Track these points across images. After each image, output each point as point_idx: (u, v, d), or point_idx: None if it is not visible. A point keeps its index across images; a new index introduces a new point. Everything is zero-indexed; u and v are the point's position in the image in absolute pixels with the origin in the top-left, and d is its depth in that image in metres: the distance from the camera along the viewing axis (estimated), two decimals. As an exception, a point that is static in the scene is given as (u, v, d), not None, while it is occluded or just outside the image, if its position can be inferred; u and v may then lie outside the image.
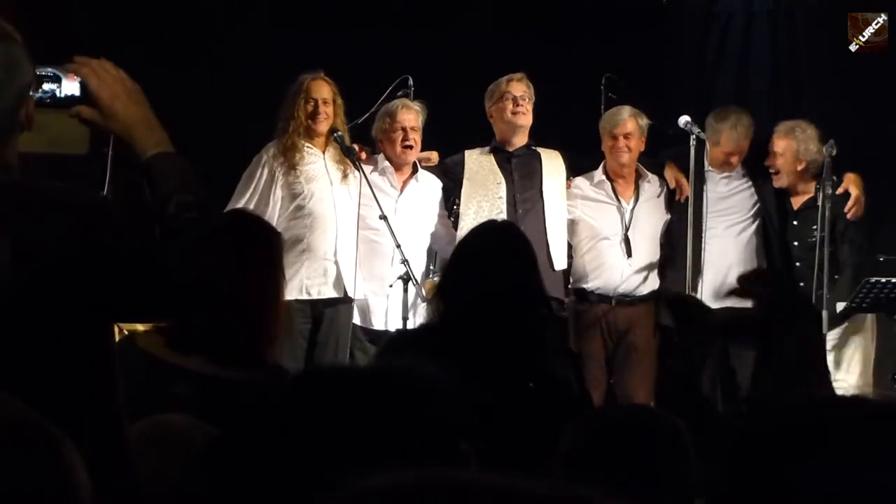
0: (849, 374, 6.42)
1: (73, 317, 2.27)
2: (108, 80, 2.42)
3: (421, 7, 7.82)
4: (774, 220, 6.61)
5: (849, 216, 6.45)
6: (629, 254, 6.57)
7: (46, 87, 2.45)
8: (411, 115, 6.38)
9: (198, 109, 6.54)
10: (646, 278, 6.63)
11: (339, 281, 6.19)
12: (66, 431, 2.25)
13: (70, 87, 2.45)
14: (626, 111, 6.65)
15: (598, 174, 6.70)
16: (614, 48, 7.74)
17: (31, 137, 2.43)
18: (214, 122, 6.64)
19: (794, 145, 6.51)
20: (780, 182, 6.56)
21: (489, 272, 3.42)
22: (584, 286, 6.64)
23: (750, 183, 6.72)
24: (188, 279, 2.32)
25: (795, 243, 6.55)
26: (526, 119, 6.58)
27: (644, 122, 6.62)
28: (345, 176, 6.23)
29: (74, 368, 2.29)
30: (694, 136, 6.48)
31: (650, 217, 6.68)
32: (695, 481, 2.39)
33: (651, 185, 6.72)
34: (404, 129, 6.35)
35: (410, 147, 6.39)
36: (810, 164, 6.50)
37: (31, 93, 2.38)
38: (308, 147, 6.21)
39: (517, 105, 6.54)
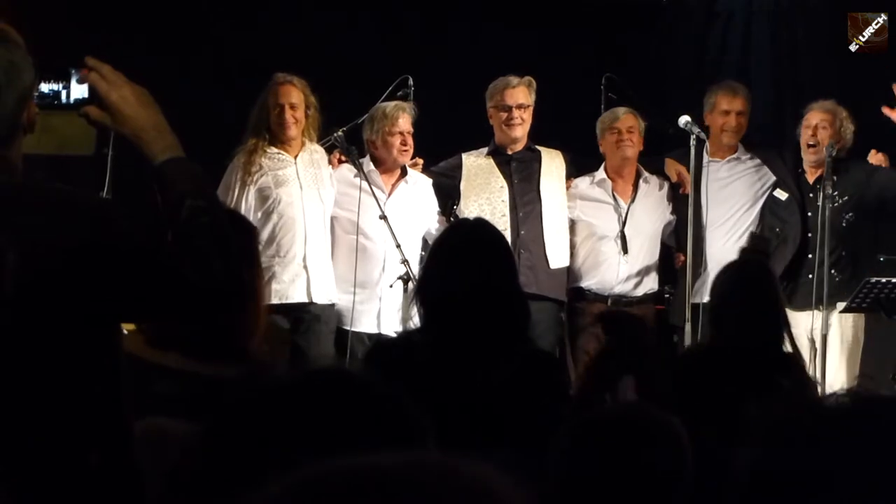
0: (839, 369, 6.44)
1: (80, 319, 2.28)
2: (118, 83, 2.43)
3: (421, 7, 7.83)
4: (795, 191, 6.59)
5: (872, 161, 6.51)
6: (625, 250, 6.57)
7: (53, 86, 2.46)
8: (409, 120, 6.37)
9: (198, 112, 6.54)
10: (643, 279, 6.63)
11: (310, 286, 6.17)
12: (74, 434, 2.27)
13: (79, 89, 2.47)
14: (623, 109, 6.67)
15: (599, 173, 6.71)
16: (614, 48, 7.75)
17: (39, 139, 2.45)
18: (215, 124, 6.64)
19: (836, 122, 6.47)
20: (817, 155, 6.47)
21: (464, 271, 3.42)
22: (581, 285, 6.65)
23: (758, 162, 6.73)
24: (201, 282, 2.33)
25: (809, 214, 6.51)
26: (522, 130, 6.57)
27: (642, 122, 6.63)
28: (318, 180, 6.23)
29: (82, 371, 2.30)
30: (694, 136, 6.48)
31: (648, 216, 6.68)
32: (691, 478, 2.40)
33: (650, 185, 6.71)
34: (402, 134, 6.33)
35: (407, 151, 6.39)
36: (844, 144, 6.50)
37: (34, 95, 2.40)
38: (278, 153, 6.19)
39: (512, 117, 6.54)
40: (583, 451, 2.42)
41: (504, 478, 0.95)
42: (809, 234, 6.48)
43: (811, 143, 6.51)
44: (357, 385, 1.42)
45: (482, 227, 3.70)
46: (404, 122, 6.34)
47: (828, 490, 1.14)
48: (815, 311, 6.36)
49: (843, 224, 6.48)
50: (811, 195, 6.54)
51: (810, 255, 6.41)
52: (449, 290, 3.39)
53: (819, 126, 6.49)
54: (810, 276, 6.38)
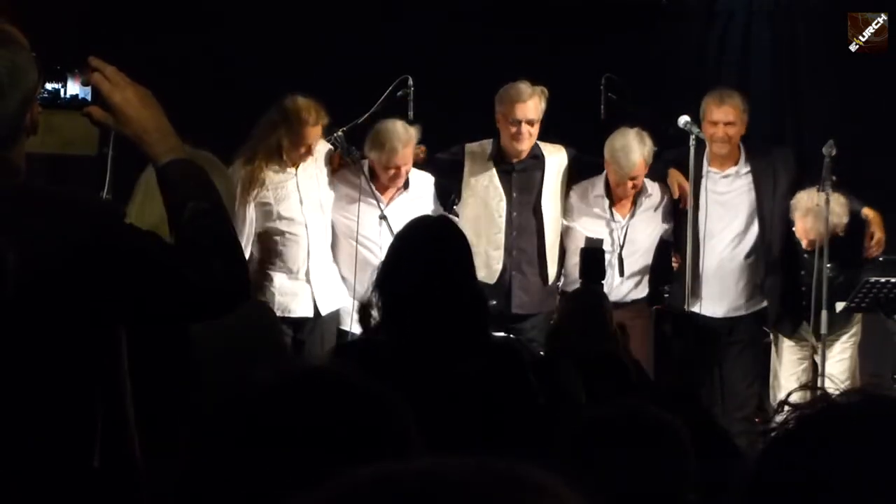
0: (840, 370, 6.44)
1: (81, 320, 2.28)
2: (121, 85, 2.43)
3: (421, 7, 7.83)
4: (777, 233, 6.54)
5: (868, 255, 6.41)
6: (622, 273, 6.52)
7: (55, 84, 2.47)
8: (409, 153, 6.24)
9: (198, 113, 6.54)
10: (637, 284, 6.61)
11: (312, 300, 6.18)
12: (75, 435, 2.27)
13: (75, 87, 2.47)
14: (636, 154, 6.39)
15: (598, 188, 6.62)
16: (614, 48, 7.74)
17: (43, 139, 2.46)
18: (214, 125, 6.64)
19: (828, 227, 6.24)
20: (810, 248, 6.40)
21: (418, 267, 3.42)
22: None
23: (751, 180, 6.64)
24: (203, 283, 2.33)
25: (803, 272, 6.45)
26: (529, 143, 6.48)
27: (650, 147, 6.46)
28: (319, 185, 6.20)
29: (83, 372, 2.30)
30: (694, 136, 6.46)
31: (645, 229, 6.63)
32: (692, 478, 2.40)
33: (650, 199, 6.63)
34: (398, 168, 6.23)
35: (399, 179, 6.29)
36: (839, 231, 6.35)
37: (37, 96, 2.40)
38: (277, 169, 6.13)
39: (520, 132, 6.42)
40: (583, 452, 2.42)
41: (569, 486, 0.95)
42: (804, 289, 6.41)
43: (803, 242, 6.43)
44: (345, 384, 1.42)
45: (440, 224, 3.72)
46: (402, 158, 6.21)
47: (832, 491, 1.14)
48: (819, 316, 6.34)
49: (837, 283, 6.41)
50: (806, 256, 6.45)
51: (804, 303, 6.36)
52: (404, 286, 3.39)
53: (810, 239, 6.36)
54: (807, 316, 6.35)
